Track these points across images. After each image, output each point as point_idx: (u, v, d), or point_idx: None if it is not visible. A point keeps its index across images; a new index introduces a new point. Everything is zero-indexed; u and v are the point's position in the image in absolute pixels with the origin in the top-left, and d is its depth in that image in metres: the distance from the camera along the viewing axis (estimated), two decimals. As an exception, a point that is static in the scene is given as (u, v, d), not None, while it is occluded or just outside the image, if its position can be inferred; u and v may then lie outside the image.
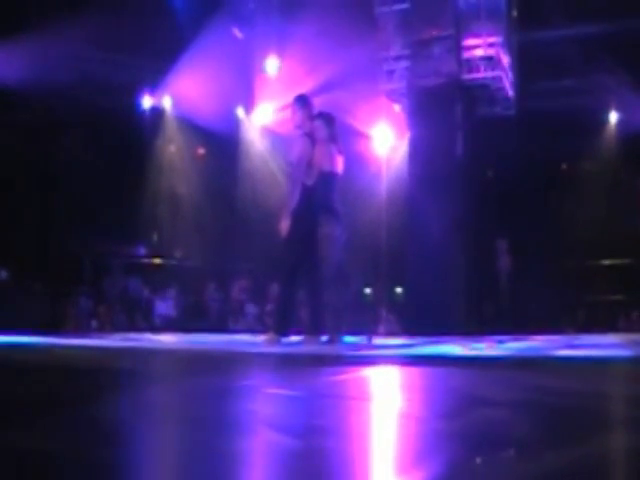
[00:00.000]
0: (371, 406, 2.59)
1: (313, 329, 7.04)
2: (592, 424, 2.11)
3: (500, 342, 7.91)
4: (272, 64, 15.55)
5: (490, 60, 13.56)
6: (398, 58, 14.22)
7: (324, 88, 13.19)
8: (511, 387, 3.17)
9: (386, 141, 16.08)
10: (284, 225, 6.89)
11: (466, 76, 13.58)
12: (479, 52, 13.60)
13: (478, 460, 1.63)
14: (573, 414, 2.30)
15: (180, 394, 2.94)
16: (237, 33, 15.58)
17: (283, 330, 7.06)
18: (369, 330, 7.66)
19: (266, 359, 5.33)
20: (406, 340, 8.84)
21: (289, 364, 4.79)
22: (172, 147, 16.03)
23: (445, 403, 2.64)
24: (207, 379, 3.54)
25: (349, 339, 7.21)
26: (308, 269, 7.06)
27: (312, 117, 7.21)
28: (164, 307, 14.52)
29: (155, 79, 14.84)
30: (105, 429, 1.97)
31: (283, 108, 7.63)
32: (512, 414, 2.32)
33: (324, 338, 6.91)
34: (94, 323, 13.23)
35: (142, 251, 15.70)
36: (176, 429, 2.10)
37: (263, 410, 2.41)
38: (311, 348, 6.40)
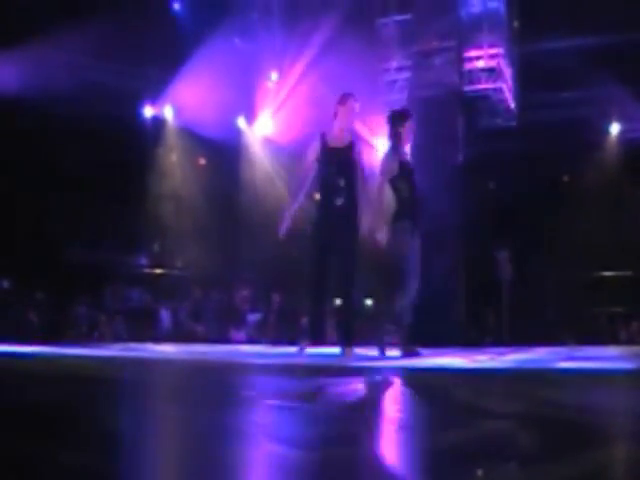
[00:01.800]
0: (372, 418, 2.58)
1: (315, 337, 7.01)
2: (593, 438, 2.11)
3: (501, 354, 7.89)
4: (273, 75, 15.58)
5: (491, 71, 13.58)
6: (399, 69, 14.26)
7: (325, 98, 13.21)
8: (512, 399, 3.16)
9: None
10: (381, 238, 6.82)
11: (467, 87, 13.60)
12: (480, 63, 13.62)
13: (480, 473, 1.62)
14: (574, 427, 2.30)
15: (180, 404, 2.93)
16: (239, 44, 15.62)
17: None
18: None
19: (266, 370, 5.32)
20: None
21: (291, 375, 4.78)
22: (173, 156, 16.04)
23: (446, 415, 2.63)
24: (208, 389, 3.54)
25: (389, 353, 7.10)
26: (322, 280, 7.01)
27: None
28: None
29: (157, 89, 14.86)
30: (105, 438, 1.96)
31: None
32: (513, 427, 2.32)
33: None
34: (95, 333, 13.22)
35: (144, 260, 15.69)
36: (177, 441, 2.09)
37: (263, 421, 2.41)
38: (314, 359, 6.39)
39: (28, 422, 2.27)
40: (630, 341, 12.88)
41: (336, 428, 2.28)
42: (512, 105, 14.29)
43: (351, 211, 6.84)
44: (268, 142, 16.05)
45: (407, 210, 6.93)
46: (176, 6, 15.48)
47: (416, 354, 6.76)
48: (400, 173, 6.99)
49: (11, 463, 1.61)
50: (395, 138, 7.14)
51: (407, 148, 7.38)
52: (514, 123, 14.48)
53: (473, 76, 13.63)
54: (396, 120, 7.22)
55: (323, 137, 7.05)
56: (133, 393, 3.33)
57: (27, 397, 2.98)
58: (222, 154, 15.82)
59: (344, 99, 7.13)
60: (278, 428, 2.27)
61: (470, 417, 2.50)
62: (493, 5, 13.89)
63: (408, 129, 7.16)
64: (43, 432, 2.07)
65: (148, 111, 15.41)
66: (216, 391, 3.46)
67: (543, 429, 2.21)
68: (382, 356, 6.87)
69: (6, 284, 12.87)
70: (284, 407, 2.75)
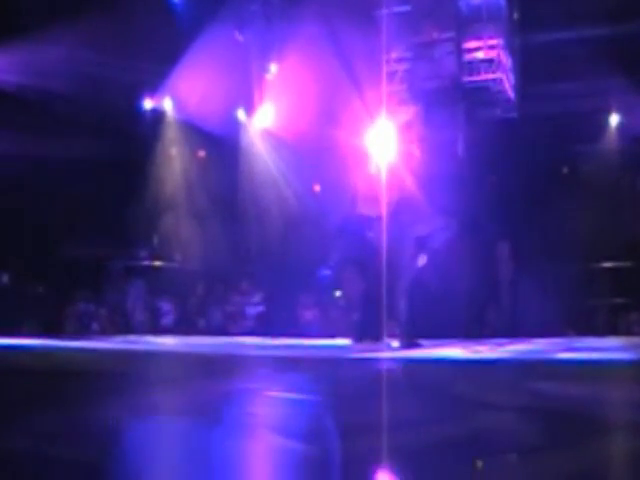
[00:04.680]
0: (374, 408, 2.58)
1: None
2: (592, 428, 2.11)
3: (501, 345, 7.90)
4: (273, 67, 15.54)
5: (491, 62, 13.53)
6: (399, 60, 14.19)
7: (325, 90, 13.20)
8: (512, 390, 3.16)
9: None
10: None
11: (467, 78, 13.55)
12: (480, 54, 13.56)
13: (481, 462, 1.62)
14: (573, 418, 2.29)
15: (181, 396, 2.93)
16: (238, 36, 15.58)
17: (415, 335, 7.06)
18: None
19: (266, 361, 5.32)
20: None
21: (292, 366, 4.78)
22: (173, 149, 16.00)
23: (448, 406, 2.63)
24: (207, 382, 3.53)
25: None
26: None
27: None
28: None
29: (156, 81, 14.81)
30: (104, 429, 1.96)
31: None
32: (514, 418, 2.31)
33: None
34: (95, 326, 13.21)
35: (143, 254, 15.66)
36: (178, 432, 2.09)
37: (263, 413, 2.41)
38: (315, 351, 6.40)
39: (22, 417, 2.27)
40: (630, 332, 12.87)
41: (333, 420, 2.27)
42: (512, 96, 14.24)
43: None
44: (268, 134, 16.01)
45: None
46: (175, -2, 15.44)
47: (416, 346, 6.76)
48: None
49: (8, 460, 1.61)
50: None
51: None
52: (514, 114, 14.42)
53: (473, 67, 13.57)
54: None
55: None
56: (132, 386, 3.33)
57: (22, 390, 2.98)
58: (222, 146, 15.77)
59: None
60: (277, 420, 2.27)
61: (470, 408, 2.50)
62: (493, -4, 13.85)
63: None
64: (40, 426, 2.07)
65: (147, 103, 15.37)
66: (216, 384, 3.46)
67: (542, 420, 2.20)
68: (403, 347, 6.86)
69: (5, 279, 12.87)
70: (283, 399, 2.75)
